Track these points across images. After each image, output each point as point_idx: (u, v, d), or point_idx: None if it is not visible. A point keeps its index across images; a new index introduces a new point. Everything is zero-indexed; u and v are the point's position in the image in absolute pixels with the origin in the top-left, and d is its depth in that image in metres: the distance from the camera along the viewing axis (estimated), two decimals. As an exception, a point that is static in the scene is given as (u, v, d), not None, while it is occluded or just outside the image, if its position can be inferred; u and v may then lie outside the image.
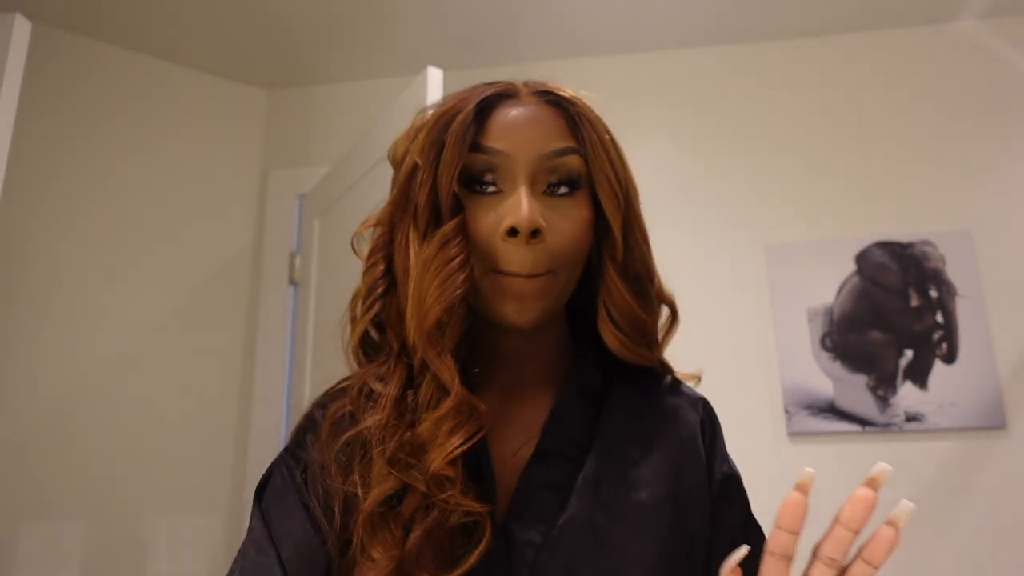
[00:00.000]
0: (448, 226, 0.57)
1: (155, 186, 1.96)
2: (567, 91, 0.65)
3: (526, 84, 0.67)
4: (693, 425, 0.64)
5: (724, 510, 0.61)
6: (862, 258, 1.80)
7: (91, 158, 1.88)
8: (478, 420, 0.55)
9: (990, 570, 1.59)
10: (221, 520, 1.86)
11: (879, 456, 1.68)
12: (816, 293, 1.79)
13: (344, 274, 1.70)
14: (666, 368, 0.69)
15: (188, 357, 1.91)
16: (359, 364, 0.66)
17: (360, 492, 0.55)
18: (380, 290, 0.63)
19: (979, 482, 1.64)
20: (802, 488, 0.48)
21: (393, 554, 0.52)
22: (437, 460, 0.53)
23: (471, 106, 0.61)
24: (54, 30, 1.84)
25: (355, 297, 0.66)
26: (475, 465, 0.57)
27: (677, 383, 0.69)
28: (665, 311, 0.68)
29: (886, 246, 1.79)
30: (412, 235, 0.59)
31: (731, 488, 0.63)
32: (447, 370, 0.55)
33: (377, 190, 1.55)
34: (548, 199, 0.59)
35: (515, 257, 0.56)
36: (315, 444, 0.61)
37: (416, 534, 0.52)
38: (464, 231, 0.58)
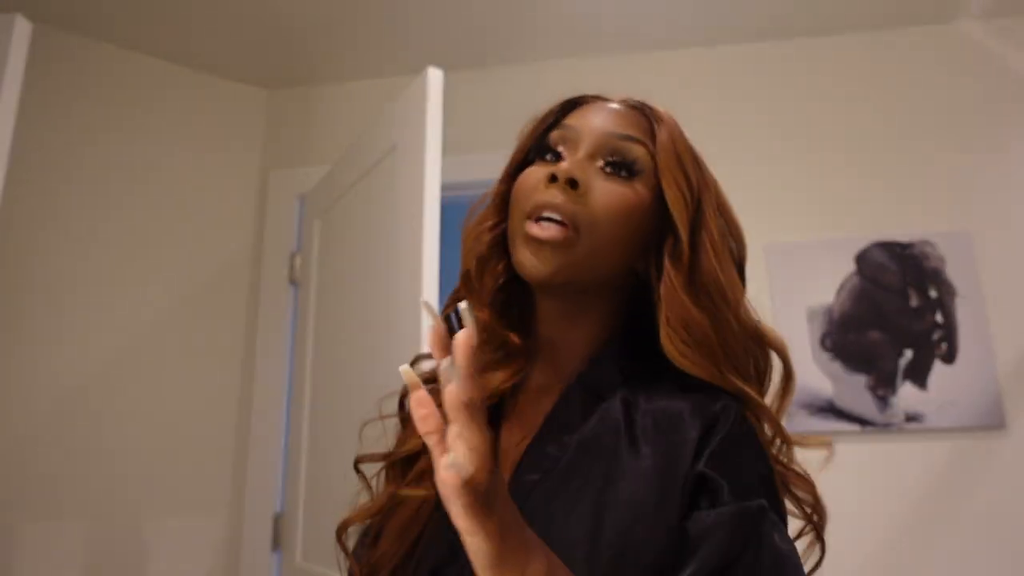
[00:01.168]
0: (492, 189, 0.68)
1: (155, 186, 1.96)
2: (640, 101, 0.70)
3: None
4: (694, 428, 0.57)
5: (695, 511, 0.54)
6: (862, 258, 1.80)
7: (91, 158, 1.88)
8: (521, 357, 0.63)
9: (990, 569, 1.59)
10: (221, 520, 1.87)
11: (879, 456, 1.69)
12: (816, 293, 1.79)
13: (344, 274, 1.70)
14: (743, 393, 0.60)
15: (188, 357, 1.91)
16: None
17: None
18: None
19: (979, 482, 1.64)
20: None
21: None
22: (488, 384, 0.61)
23: (561, 99, 0.69)
24: (54, 30, 1.84)
25: None
26: None
27: (705, 388, 0.60)
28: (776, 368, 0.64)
29: (886, 246, 1.79)
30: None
31: (705, 488, 0.55)
32: (479, 308, 0.64)
33: (377, 190, 1.55)
34: (604, 175, 0.62)
35: (547, 194, 0.60)
36: None
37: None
38: (504, 199, 0.66)
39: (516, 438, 0.63)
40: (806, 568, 0.58)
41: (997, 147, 1.83)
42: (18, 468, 1.65)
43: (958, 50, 1.91)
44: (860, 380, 1.73)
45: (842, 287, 1.79)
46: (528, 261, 0.60)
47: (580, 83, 2.31)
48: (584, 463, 0.58)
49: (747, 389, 0.60)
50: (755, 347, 0.63)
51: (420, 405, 0.42)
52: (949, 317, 1.73)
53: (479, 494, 0.41)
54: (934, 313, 1.74)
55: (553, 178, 0.60)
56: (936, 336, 1.72)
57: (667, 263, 0.61)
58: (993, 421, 1.65)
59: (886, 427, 1.69)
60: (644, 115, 0.67)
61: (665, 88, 2.02)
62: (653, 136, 0.65)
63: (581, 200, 0.60)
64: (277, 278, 2.04)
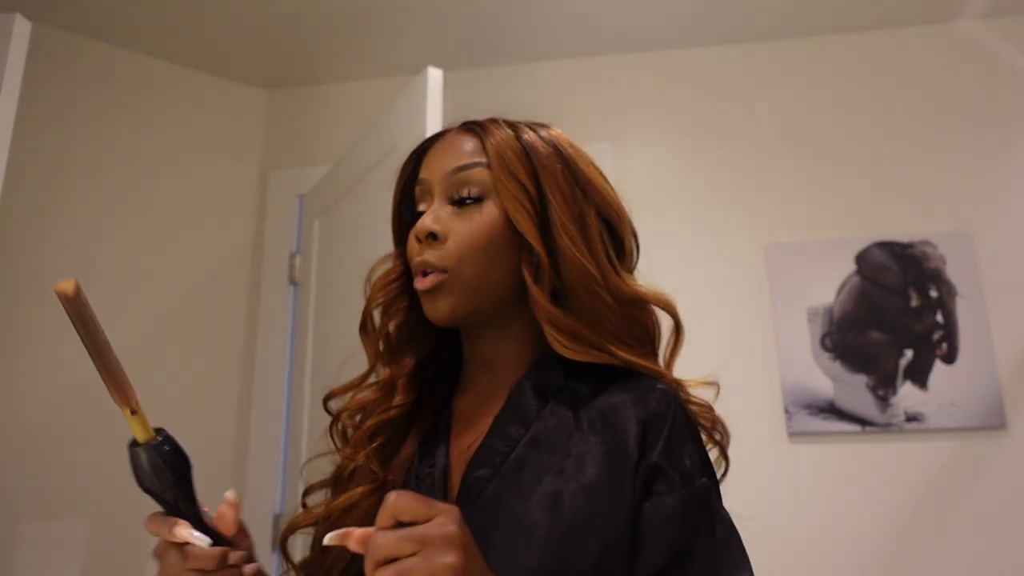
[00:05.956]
0: (389, 256, 0.76)
1: (155, 186, 1.96)
2: (488, 118, 0.73)
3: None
4: (635, 418, 0.63)
5: (652, 498, 0.60)
6: (862, 258, 1.80)
7: (91, 159, 1.88)
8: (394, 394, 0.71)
9: (990, 570, 1.59)
10: (221, 520, 1.86)
11: (879, 456, 1.69)
12: (816, 293, 1.79)
13: (344, 274, 1.70)
14: (633, 365, 0.67)
15: (188, 357, 1.91)
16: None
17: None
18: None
19: (979, 482, 1.64)
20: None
21: (323, 510, 0.69)
22: (370, 420, 0.69)
23: (413, 150, 0.76)
24: (54, 30, 1.84)
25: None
26: (432, 459, 0.68)
27: (641, 378, 0.67)
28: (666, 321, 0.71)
29: (886, 246, 1.79)
30: None
31: (660, 477, 0.61)
32: (370, 349, 0.73)
33: (377, 190, 1.55)
34: (458, 209, 0.68)
35: (419, 255, 0.68)
36: None
37: (342, 497, 0.68)
38: (403, 256, 0.74)
39: (468, 441, 0.68)
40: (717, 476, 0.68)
41: (997, 147, 1.83)
42: (18, 467, 1.65)
43: (958, 50, 1.91)
44: (860, 380, 1.72)
45: (842, 287, 1.79)
46: (428, 311, 0.68)
47: (580, 83, 2.32)
48: (536, 456, 0.63)
49: (635, 359, 0.66)
50: (637, 310, 0.69)
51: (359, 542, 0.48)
52: (949, 317, 1.73)
53: None
54: (934, 313, 1.74)
55: (417, 238, 0.68)
56: (936, 336, 1.72)
57: (526, 273, 0.67)
58: (994, 421, 1.65)
59: (886, 427, 1.69)
60: (475, 134, 0.70)
61: (665, 88, 2.03)
62: (486, 151, 0.69)
63: (444, 246, 0.66)
64: (277, 278, 2.04)
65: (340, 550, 0.62)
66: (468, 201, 0.68)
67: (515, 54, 2.05)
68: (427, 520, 0.46)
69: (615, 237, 0.71)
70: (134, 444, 0.54)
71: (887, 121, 1.90)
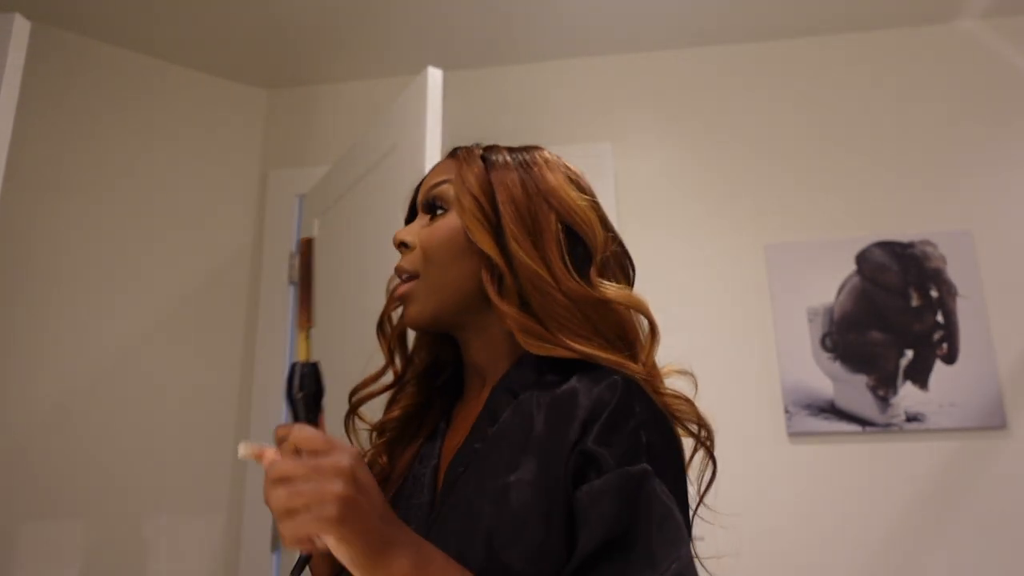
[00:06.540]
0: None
1: (155, 186, 1.96)
2: (474, 144, 0.80)
3: None
4: (582, 407, 0.63)
5: (585, 484, 0.60)
6: (862, 258, 1.80)
7: (90, 158, 1.88)
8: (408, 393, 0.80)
9: (990, 570, 1.59)
10: (221, 520, 1.86)
11: (879, 456, 1.69)
12: (816, 293, 1.79)
13: (344, 274, 1.70)
14: (590, 356, 0.68)
15: (188, 357, 1.91)
16: None
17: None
18: None
19: (979, 482, 1.64)
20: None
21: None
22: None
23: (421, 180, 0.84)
24: (53, 30, 1.84)
25: None
26: (428, 459, 0.74)
27: (600, 370, 0.67)
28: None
29: (886, 246, 1.79)
30: None
31: (592, 463, 0.60)
32: (385, 349, 0.81)
33: (377, 190, 1.55)
34: (431, 220, 0.77)
35: (396, 266, 0.77)
36: None
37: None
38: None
39: (455, 442, 0.73)
40: (703, 482, 0.70)
41: (997, 147, 1.83)
42: (18, 468, 1.65)
43: (958, 50, 1.91)
44: (861, 380, 1.72)
45: (842, 287, 1.79)
46: (404, 317, 0.77)
47: (580, 83, 2.32)
48: (495, 452, 0.67)
49: (593, 351, 0.68)
50: (601, 310, 0.71)
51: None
52: (950, 317, 1.73)
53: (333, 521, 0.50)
54: (935, 313, 1.74)
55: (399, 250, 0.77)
56: (937, 336, 1.72)
57: (484, 277, 0.72)
58: (994, 421, 1.65)
59: (887, 427, 1.69)
60: (455, 158, 0.78)
61: (665, 88, 2.03)
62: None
63: (414, 252, 0.75)
64: (277, 278, 2.03)
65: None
66: (436, 211, 0.76)
67: (515, 54, 2.05)
68: (325, 453, 0.51)
69: (577, 242, 0.73)
70: (295, 362, 0.67)
71: (887, 121, 1.90)
